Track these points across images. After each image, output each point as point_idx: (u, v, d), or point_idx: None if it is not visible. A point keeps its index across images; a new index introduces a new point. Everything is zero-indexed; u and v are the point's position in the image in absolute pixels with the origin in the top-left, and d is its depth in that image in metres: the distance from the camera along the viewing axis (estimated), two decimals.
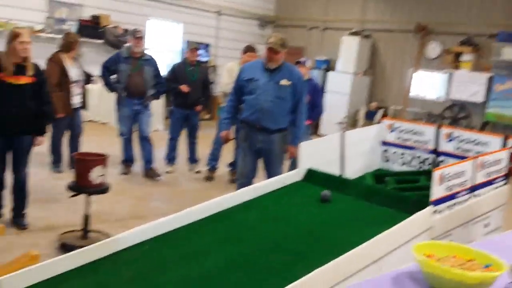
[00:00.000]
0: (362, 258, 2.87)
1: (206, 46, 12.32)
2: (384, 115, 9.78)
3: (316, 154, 4.17)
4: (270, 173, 4.54)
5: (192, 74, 6.60)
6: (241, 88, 4.54)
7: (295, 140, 4.45)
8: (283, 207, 3.79)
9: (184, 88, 6.48)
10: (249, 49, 6.45)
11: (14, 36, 4.04)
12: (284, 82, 4.41)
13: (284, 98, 4.43)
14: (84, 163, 3.85)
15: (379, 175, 4.36)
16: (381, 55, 12.21)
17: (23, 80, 4.08)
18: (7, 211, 4.37)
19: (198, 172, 6.83)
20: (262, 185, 3.96)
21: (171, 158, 6.86)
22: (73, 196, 4.02)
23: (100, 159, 3.90)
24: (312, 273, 2.56)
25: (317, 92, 6.20)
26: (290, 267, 2.96)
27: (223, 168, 6.81)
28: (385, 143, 4.61)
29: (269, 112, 4.43)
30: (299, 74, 4.56)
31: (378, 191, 3.83)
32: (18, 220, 4.27)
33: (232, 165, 6.73)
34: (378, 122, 5.40)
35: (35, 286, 2.88)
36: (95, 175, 3.85)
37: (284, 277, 2.68)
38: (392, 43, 11.95)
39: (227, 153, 6.80)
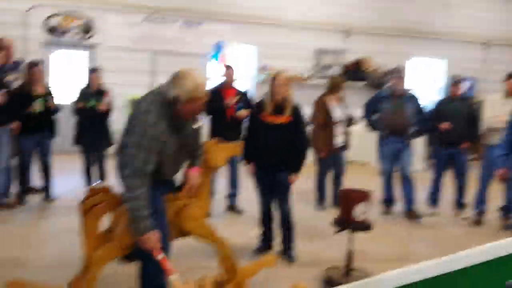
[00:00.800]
0: None
1: (471, 80, 11.51)
2: None
3: None
4: None
5: (455, 110, 6.17)
6: None
7: None
8: None
9: (445, 125, 6.08)
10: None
11: (272, 79, 4.38)
12: None
13: None
14: (348, 199, 3.87)
15: None
16: None
17: (281, 119, 4.36)
18: (277, 244, 4.65)
19: (465, 218, 6.25)
20: None
21: (434, 199, 6.47)
22: (337, 232, 4.07)
23: (364, 196, 3.88)
24: None
25: None
26: None
27: (493, 212, 6.11)
28: None
29: None
30: None
31: None
32: (287, 253, 4.50)
33: (505, 208, 5.99)
34: None
35: None
36: (359, 211, 3.83)
37: None
38: None
39: (495, 195, 6.09)
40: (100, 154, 6.26)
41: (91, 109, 6.06)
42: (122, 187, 2.83)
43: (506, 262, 3.19)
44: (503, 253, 3.28)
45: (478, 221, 6.05)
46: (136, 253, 3.00)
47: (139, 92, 9.40)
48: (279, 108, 4.36)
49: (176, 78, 2.78)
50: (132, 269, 3.88)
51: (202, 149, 3.19)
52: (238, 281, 3.27)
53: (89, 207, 3.00)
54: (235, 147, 3.36)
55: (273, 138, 4.31)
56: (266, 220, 4.58)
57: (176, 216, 3.04)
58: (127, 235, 2.96)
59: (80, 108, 6.13)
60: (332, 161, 6.45)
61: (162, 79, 9.27)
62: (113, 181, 6.19)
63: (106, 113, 6.17)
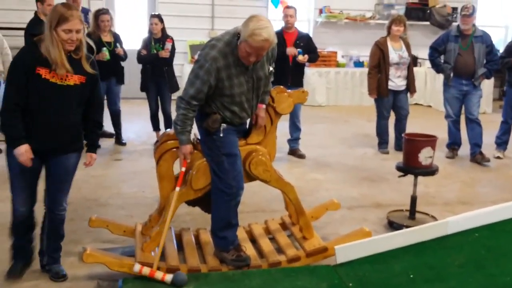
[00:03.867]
0: None
1: None
2: None
3: None
4: None
5: None
6: None
7: None
8: None
9: None
10: None
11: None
12: None
13: None
14: (413, 144, 3.86)
15: None
16: None
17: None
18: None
19: None
20: None
21: (502, 142, 6.28)
22: (401, 176, 4.09)
23: (429, 140, 3.85)
24: None
25: None
26: None
27: None
28: None
29: None
30: None
31: None
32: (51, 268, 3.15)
33: None
34: None
35: (366, 258, 3.05)
36: (424, 156, 3.81)
37: None
38: None
39: None
40: (165, 100, 6.43)
41: (154, 56, 6.20)
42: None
43: None
44: None
45: None
46: (208, 196, 3.17)
47: (199, 38, 9.67)
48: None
49: (247, 19, 2.86)
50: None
51: (269, 87, 3.24)
52: (303, 224, 3.38)
53: (164, 151, 3.16)
54: (301, 94, 3.39)
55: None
56: None
57: (245, 160, 3.15)
58: (199, 179, 3.12)
59: (143, 55, 6.28)
60: (393, 104, 6.36)
61: (221, 25, 9.31)
62: None
63: (169, 60, 6.28)
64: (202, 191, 3.15)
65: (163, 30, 6.31)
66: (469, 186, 5.24)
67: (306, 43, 5.86)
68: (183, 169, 3.07)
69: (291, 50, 5.67)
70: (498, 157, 6.21)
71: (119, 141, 6.50)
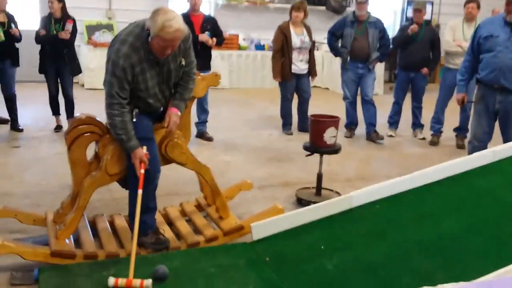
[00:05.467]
0: None
1: (430, 4, 11.68)
2: None
3: None
4: (508, 137, 4.22)
5: (417, 35, 6.36)
6: (478, 47, 4.26)
7: None
8: None
9: (413, 28, 6.23)
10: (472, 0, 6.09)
11: None
12: None
13: None
14: (319, 124, 4.08)
15: None
16: None
17: None
18: None
19: (422, 139, 6.62)
20: (501, 149, 3.71)
21: (393, 122, 6.80)
22: (308, 155, 4.30)
23: (333, 121, 4.09)
24: None
25: None
26: None
27: (448, 133, 6.50)
28: None
29: (509, 71, 4.10)
30: None
31: None
32: None
33: (459, 129, 6.39)
34: None
35: (280, 234, 3.21)
36: (329, 136, 4.05)
37: None
38: None
39: (451, 117, 6.47)
40: (66, 83, 6.17)
41: (54, 37, 5.91)
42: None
43: (461, 180, 3.54)
44: (458, 171, 3.62)
45: (434, 142, 6.44)
46: (126, 180, 3.15)
47: (96, 18, 9.31)
48: None
49: (153, 13, 2.84)
50: (118, 194, 4.06)
51: (192, 85, 3.22)
52: (219, 204, 3.47)
53: (76, 136, 3.08)
54: (215, 77, 3.45)
55: None
56: None
57: (160, 144, 3.17)
58: (114, 164, 3.08)
59: (42, 36, 5.96)
60: (296, 87, 6.62)
61: (118, 4, 9.02)
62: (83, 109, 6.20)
63: (69, 41, 6.02)
64: (118, 175, 3.13)
65: (63, 9, 6.02)
66: (366, 163, 5.63)
67: (212, 26, 5.90)
68: (142, 171, 2.97)
69: (203, 37, 5.68)
70: (391, 136, 6.71)
71: (15, 127, 6.15)
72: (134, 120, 3.04)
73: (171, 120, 3.12)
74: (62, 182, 4.45)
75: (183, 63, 3.10)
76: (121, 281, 2.68)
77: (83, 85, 9.03)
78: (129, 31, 2.94)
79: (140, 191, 2.95)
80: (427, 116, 6.74)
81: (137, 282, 2.68)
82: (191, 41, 3.13)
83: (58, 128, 6.23)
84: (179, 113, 3.15)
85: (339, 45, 6.54)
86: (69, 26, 5.95)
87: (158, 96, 3.08)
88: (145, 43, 2.89)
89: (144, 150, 2.97)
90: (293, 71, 6.45)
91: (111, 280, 2.68)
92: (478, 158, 3.61)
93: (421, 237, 2.96)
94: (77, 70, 6.24)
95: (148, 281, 2.67)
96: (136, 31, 2.92)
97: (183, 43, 3.01)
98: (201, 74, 3.44)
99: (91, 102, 7.23)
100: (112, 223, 3.45)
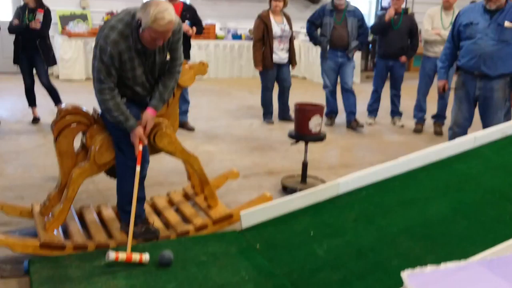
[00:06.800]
0: None
1: None
2: None
3: None
4: (488, 122, 4.32)
5: (395, 23, 6.43)
6: (458, 34, 4.34)
7: None
8: (506, 158, 3.61)
9: (390, 11, 6.31)
10: None
11: None
12: (508, 24, 4.10)
13: (508, 41, 4.14)
14: (304, 113, 4.10)
15: None
16: None
17: None
18: None
19: (401, 126, 6.72)
20: (482, 135, 3.79)
21: (373, 110, 6.87)
22: (293, 144, 4.33)
23: (318, 109, 4.12)
24: None
25: None
26: None
27: (427, 120, 6.62)
28: None
29: (489, 57, 4.18)
30: None
31: None
32: None
33: (437, 116, 6.51)
34: None
35: (269, 221, 3.25)
36: (313, 124, 4.08)
37: None
38: None
39: (430, 104, 6.58)
40: (41, 73, 6.05)
41: (25, 27, 5.79)
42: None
43: (444, 166, 3.61)
44: (441, 157, 3.70)
45: (418, 129, 6.54)
46: (114, 171, 3.13)
47: (69, 8, 9.14)
48: None
49: (144, 4, 2.81)
50: (102, 185, 4.03)
51: (173, 84, 3.16)
52: (208, 193, 3.48)
53: (63, 127, 3.04)
54: (202, 66, 3.44)
55: None
56: None
57: (149, 133, 3.14)
58: (103, 154, 3.06)
59: (14, 26, 5.84)
60: (276, 76, 6.63)
61: None
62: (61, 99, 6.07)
63: (42, 31, 5.89)
64: (106, 165, 3.10)
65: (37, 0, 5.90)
66: (348, 151, 5.70)
67: (192, 15, 5.86)
68: (141, 147, 2.99)
69: (184, 27, 5.62)
70: (370, 124, 6.79)
71: None
72: None
73: (147, 126, 3.04)
74: (45, 174, 4.40)
75: (168, 58, 3.06)
76: (122, 255, 2.74)
77: (58, 77, 8.88)
78: (120, 18, 2.90)
79: (138, 167, 2.97)
80: (405, 103, 6.84)
81: (136, 256, 2.75)
82: (182, 34, 3.09)
83: (35, 120, 6.12)
84: (154, 115, 3.08)
85: (318, 34, 6.57)
86: (39, 16, 5.83)
87: (146, 85, 3.06)
88: (134, 32, 2.85)
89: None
90: (274, 60, 6.46)
91: (112, 254, 2.72)
92: (460, 144, 3.69)
93: (408, 222, 3.02)
94: (52, 60, 6.14)
95: (147, 256, 2.75)
96: (126, 19, 2.88)
97: (172, 35, 2.96)
98: (188, 63, 3.42)
99: (67, 93, 7.13)
100: (99, 214, 3.43)
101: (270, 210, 3.27)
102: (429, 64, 6.27)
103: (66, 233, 3.13)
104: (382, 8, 11.39)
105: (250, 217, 3.22)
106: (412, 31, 6.51)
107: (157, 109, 3.09)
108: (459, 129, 4.43)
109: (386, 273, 2.59)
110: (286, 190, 4.23)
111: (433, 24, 6.26)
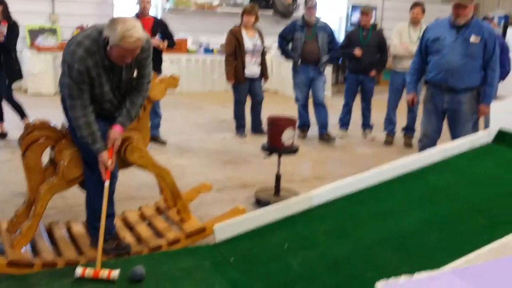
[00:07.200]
0: None
1: (374, 9, 12.04)
2: None
3: (509, 114, 3.93)
4: (456, 134, 4.41)
5: (364, 39, 6.55)
6: (426, 49, 4.44)
7: (487, 99, 4.27)
8: (475, 169, 3.67)
9: (357, 52, 6.47)
10: (417, 4, 6.31)
11: None
12: (473, 39, 4.21)
13: (474, 56, 4.25)
14: (277, 126, 4.11)
15: None
16: None
17: None
18: None
19: (373, 139, 6.80)
20: (450, 147, 3.86)
21: (344, 123, 6.95)
22: (267, 156, 4.33)
23: (290, 122, 4.13)
24: None
25: (504, 50, 5.76)
26: (490, 230, 2.88)
27: (397, 132, 6.72)
28: None
29: (456, 71, 4.29)
30: (490, 29, 4.32)
31: None
32: None
33: (406, 129, 6.62)
34: None
35: (243, 235, 3.22)
36: (286, 137, 4.09)
37: (485, 240, 2.62)
38: None
39: (399, 117, 6.69)
40: (3, 89, 5.91)
41: None
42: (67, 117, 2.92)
43: (415, 177, 3.66)
44: (412, 168, 3.75)
45: (389, 142, 6.63)
46: (83, 185, 3.07)
47: (38, 22, 9.01)
48: None
49: (111, 21, 2.79)
50: (72, 201, 3.94)
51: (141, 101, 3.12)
52: (180, 207, 3.44)
53: (30, 142, 2.97)
54: (173, 80, 3.42)
55: None
56: None
57: (119, 148, 3.09)
58: (71, 169, 2.99)
59: None
60: (249, 90, 6.65)
61: (62, 8, 8.74)
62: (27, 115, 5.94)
63: (5, 44, 5.77)
64: (75, 181, 3.04)
65: (4, 12, 5.78)
66: (320, 163, 5.73)
67: (163, 30, 5.84)
68: (107, 182, 2.91)
69: (155, 41, 5.61)
70: (342, 136, 6.86)
71: None
72: None
73: (115, 144, 2.99)
74: (12, 190, 4.28)
75: (135, 75, 3.03)
76: (89, 271, 2.66)
77: (26, 91, 8.71)
78: (87, 34, 2.86)
79: (107, 182, 2.91)
80: (375, 116, 6.93)
81: (104, 272, 2.66)
82: (151, 52, 3.06)
83: (2, 135, 5.97)
84: (122, 132, 3.02)
85: (290, 48, 6.63)
86: (3, 28, 5.72)
87: (114, 102, 3.02)
88: (101, 49, 2.82)
89: None
90: (246, 74, 6.47)
91: (79, 270, 2.66)
92: (430, 156, 3.74)
93: (382, 233, 3.03)
94: (17, 75, 6.01)
95: (115, 272, 2.66)
96: (93, 35, 2.85)
97: (141, 52, 2.92)
98: (158, 76, 3.39)
99: (36, 107, 6.99)
100: (69, 230, 3.34)
101: (244, 223, 3.24)
102: (398, 78, 6.39)
103: (35, 250, 3.05)
104: (352, 24, 11.58)
105: (223, 230, 3.18)
106: (381, 46, 6.63)
107: (124, 126, 3.04)
108: (429, 141, 4.51)
109: (361, 284, 2.59)
110: (260, 203, 4.22)
111: (402, 39, 6.39)
